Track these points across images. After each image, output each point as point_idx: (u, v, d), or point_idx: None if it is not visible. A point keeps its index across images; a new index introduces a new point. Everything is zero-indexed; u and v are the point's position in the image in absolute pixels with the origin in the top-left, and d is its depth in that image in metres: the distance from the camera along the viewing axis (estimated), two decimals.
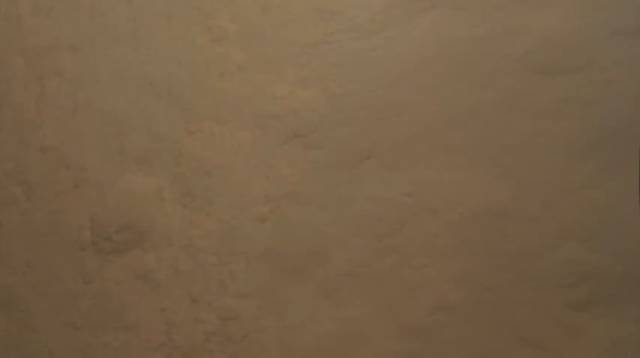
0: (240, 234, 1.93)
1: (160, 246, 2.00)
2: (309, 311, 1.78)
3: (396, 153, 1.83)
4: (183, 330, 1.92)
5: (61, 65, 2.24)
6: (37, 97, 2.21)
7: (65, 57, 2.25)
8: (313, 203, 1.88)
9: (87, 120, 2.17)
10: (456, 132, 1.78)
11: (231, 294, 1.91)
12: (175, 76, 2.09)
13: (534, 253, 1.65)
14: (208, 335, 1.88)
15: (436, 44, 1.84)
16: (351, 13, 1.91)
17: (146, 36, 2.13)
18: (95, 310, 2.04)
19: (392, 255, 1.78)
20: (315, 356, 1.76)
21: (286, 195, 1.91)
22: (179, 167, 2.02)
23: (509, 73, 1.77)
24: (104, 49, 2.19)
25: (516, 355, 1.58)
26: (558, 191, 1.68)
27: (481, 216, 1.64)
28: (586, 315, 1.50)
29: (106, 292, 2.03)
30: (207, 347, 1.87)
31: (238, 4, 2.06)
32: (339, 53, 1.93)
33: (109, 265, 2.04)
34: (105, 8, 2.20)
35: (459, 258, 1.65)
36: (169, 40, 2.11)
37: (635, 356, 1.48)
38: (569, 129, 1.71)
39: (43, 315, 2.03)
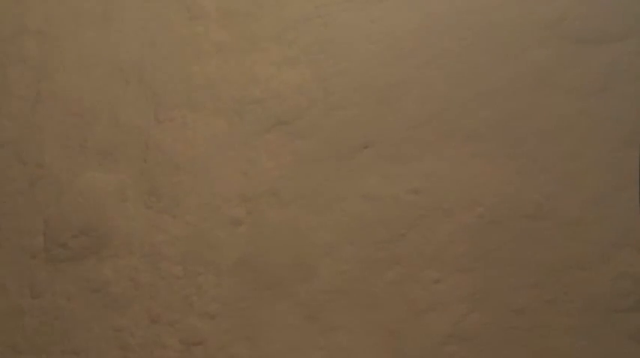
0: (210, 240, 1.52)
1: (119, 253, 1.60)
2: (291, 338, 1.37)
3: (399, 141, 1.41)
4: (139, 356, 1.51)
5: (25, 52, 1.89)
6: None
7: (31, 42, 1.89)
8: (298, 203, 1.46)
9: (48, 111, 1.80)
10: (474, 116, 1.35)
11: (198, 314, 1.49)
12: (147, 59, 1.73)
13: (578, 266, 1.22)
14: None
15: (448, 12, 1.42)
16: None
17: (119, 17, 1.77)
18: (42, 330, 1.63)
19: (394, 268, 1.35)
20: None
21: (266, 193, 1.50)
22: (145, 162, 1.63)
23: (541, 44, 1.34)
24: (72, 32, 1.84)
25: None
26: (606, 186, 1.25)
27: (507, 219, 1.23)
28: None
29: (55, 308, 1.62)
30: None
31: None
32: (332, 27, 1.53)
33: (62, 276, 1.64)
34: None
35: (479, 272, 1.23)
36: (143, 20, 1.76)
37: None
38: (618, 110, 1.28)
39: None
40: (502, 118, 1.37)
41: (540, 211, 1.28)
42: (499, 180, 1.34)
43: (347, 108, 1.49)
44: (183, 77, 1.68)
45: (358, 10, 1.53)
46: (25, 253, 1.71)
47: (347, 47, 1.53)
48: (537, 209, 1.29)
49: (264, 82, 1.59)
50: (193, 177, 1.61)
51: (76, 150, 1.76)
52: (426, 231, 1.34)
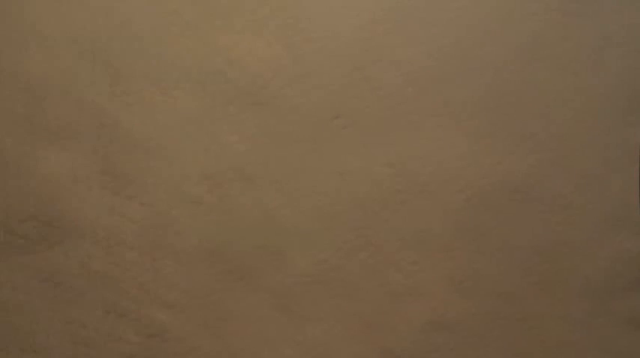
0: (170, 223, 1.36)
1: (71, 239, 1.43)
2: (260, 330, 1.22)
3: (375, 113, 1.27)
4: (93, 351, 1.35)
5: None
6: None
7: None
8: (266, 181, 1.31)
9: None
10: (459, 91, 1.21)
11: (157, 303, 1.33)
12: (103, 28, 1.56)
13: (571, 248, 1.10)
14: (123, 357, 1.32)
15: None
16: None
17: None
18: None
19: (370, 252, 1.22)
20: None
21: (231, 171, 1.35)
22: (99, 140, 1.47)
23: (530, 16, 1.22)
24: (19, 3, 1.66)
25: None
26: (601, 164, 1.13)
27: (492, 197, 1.10)
28: None
29: None
30: None
31: None
32: None
33: (7, 265, 1.48)
34: None
35: (463, 254, 1.10)
36: None
37: None
38: (613, 84, 1.16)
39: None
40: (489, 94, 1.23)
41: (530, 192, 1.15)
42: (485, 158, 1.20)
43: (317, 77, 1.34)
44: (141, 49, 1.51)
45: None
46: None
47: (318, 14, 1.38)
48: (526, 189, 1.16)
49: (227, 51, 1.43)
50: (151, 155, 1.44)
51: (24, 128, 1.58)
52: (405, 211, 1.20)
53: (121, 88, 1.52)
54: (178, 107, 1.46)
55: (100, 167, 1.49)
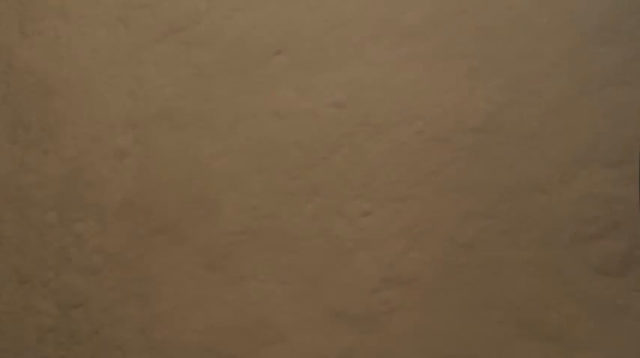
0: (90, 179, 1.21)
1: None
2: (191, 292, 1.08)
3: (319, 44, 1.11)
4: (7, 326, 1.21)
5: None
6: None
7: None
8: (197, 126, 1.16)
9: None
10: (408, 11, 1.05)
11: (77, 269, 1.19)
12: None
13: (536, 188, 0.98)
14: (43, 333, 1.14)
15: None
16: None
17: None
18: None
19: (314, 200, 1.08)
20: (202, 355, 1.10)
21: (158, 116, 1.20)
22: (9, 86, 1.30)
23: None
24: None
25: (513, 351, 0.92)
26: (569, 92, 1.02)
27: (451, 135, 0.99)
28: (621, 283, 0.86)
29: None
30: (41, 351, 1.17)
31: None
32: None
33: None
34: None
35: (418, 201, 0.99)
36: None
37: None
38: (583, 3, 1.05)
39: None
40: (444, 12, 1.10)
41: (491, 123, 1.02)
42: (441, 87, 1.08)
43: (254, 8, 1.20)
44: None
45: None
46: None
47: None
48: (487, 121, 1.04)
49: None
50: (69, 101, 1.28)
51: None
52: (353, 153, 1.06)
53: (32, 28, 1.34)
54: (99, 47, 1.30)
55: (10, 118, 1.32)
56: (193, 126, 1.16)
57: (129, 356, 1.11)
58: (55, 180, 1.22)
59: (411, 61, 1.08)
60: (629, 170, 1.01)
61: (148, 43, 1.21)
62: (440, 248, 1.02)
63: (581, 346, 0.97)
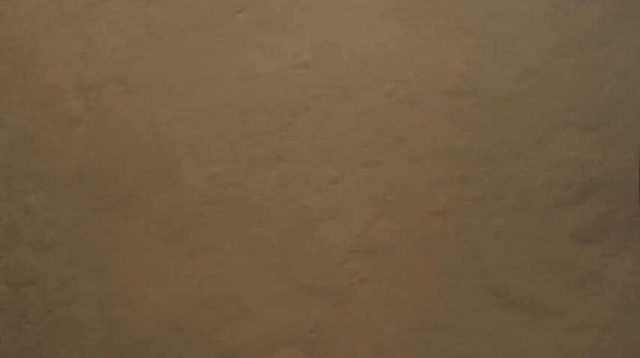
0: (40, 148, 1.13)
1: None
2: (150, 265, 1.02)
3: (284, 1, 1.02)
4: None
5: None
6: None
7: None
8: (154, 90, 1.08)
9: None
10: None
11: (27, 244, 1.11)
12: None
13: (512, 153, 0.94)
14: None
15: None
16: None
17: None
18: None
19: (279, 167, 1.01)
20: (160, 339, 0.99)
21: (112, 80, 1.12)
22: None
23: None
24: None
25: (487, 321, 0.90)
26: (546, 53, 0.97)
27: (424, 98, 0.95)
28: (595, 249, 0.83)
29: None
30: None
31: None
32: None
33: None
34: None
35: (389, 167, 0.95)
36: None
37: None
38: None
39: None
40: None
41: (465, 85, 0.97)
42: (413, 47, 1.02)
43: None
44: None
45: None
46: None
47: None
48: (461, 83, 0.99)
49: None
50: (14, 65, 1.19)
51: None
52: (320, 116, 1.00)
53: None
54: (46, 5, 1.21)
55: None
56: (150, 90, 1.08)
57: (86, 336, 1.06)
58: (1, 149, 1.14)
59: (381, 19, 1.02)
60: (607, 134, 0.99)
61: (100, 0, 1.13)
62: (412, 216, 0.98)
63: (554, 314, 0.95)
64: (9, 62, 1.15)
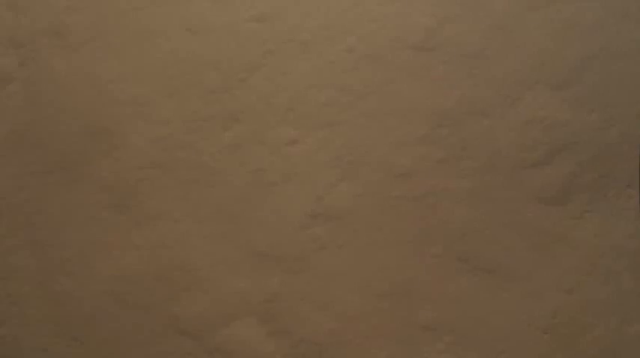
0: None
1: None
2: (94, 235, 0.94)
3: None
4: None
5: None
6: None
7: None
8: (95, 45, 0.97)
9: None
10: None
11: None
12: None
13: (479, 112, 0.89)
14: None
15: None
16: None
17: None
18: None
19: (233, 127, 0.93)
20: (108, 313, 0.92)
21: (47, 33, 1.02)
22: None
23: None
24: None
25: (451, 286, 0.88)
26: (514, 7, 0.92)
27: (387, 53, 0.91)
28: (561, 212, 0.82)
29: None
30: None
31: None
32: None
33: None
34: None
35: (350, 127, 0.91)
36: None
37: (638, 269, 0.82)
38: None
39: None
40: None
41: (430, 41, 0.92)
42: None
43: None
44: None
45: None
46: None
47: None
48: (426, 38, 0.93)
49: None
50: None
51: None
52: (276, 73, 0.94)
53: None
54: None
55: None
56: (91, 44, 0.99)
57: (27, 312, 0.99)
58: None
59: None
60: (575, 92, 0.96)
61: None
62: (374, 178, 0.93)
63: (518, 277, 0.93)
64: None
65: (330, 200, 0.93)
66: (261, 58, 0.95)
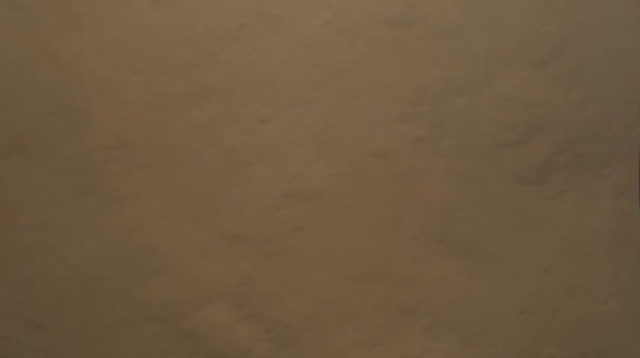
0: None
1: None
2: (58, 220, 0.89)
3: None
4: None
5: None
6: None
7: None
8: (54, 17, 0.90)
9: None
10: None
11: None
12: None
13: (457, 89, 0.86)
14: None
15: None
16: None
17: None
18: None
19: (203, 105, 0.89)
20: (74, 299, 0.88)
21: (2, 1, 0.97)
22: None
23: None
24: None
25: (428, 268, 0.86)
26: None
27: (363, 28, 0.88)
28: (538, 191, 0.81)
29: None
30: None
31: None
32: None
33: None
34: None
35: (325, 104, 0.88)
36: None
37: (614, 249, 0.82)
38: None
39: None
40: None
41: (408, 16, 0.88)
42: None
43: None
44: None
45: None
46: None
47: None
48: (404, 13, 0.89)
49: None
50: None
51: None
52: (248, 48, 0.90)
53: None
54: None
55: None
56: (50, 16, 0.93)
57: None
58: None
59: None
60: (554, 71, 0.95)
61: None
62: (349, 157, 0.91)
63: (494, 258, 0.93)
64: None
65: (304, 180, 0.91)
66: (232, 33, 0.91)
